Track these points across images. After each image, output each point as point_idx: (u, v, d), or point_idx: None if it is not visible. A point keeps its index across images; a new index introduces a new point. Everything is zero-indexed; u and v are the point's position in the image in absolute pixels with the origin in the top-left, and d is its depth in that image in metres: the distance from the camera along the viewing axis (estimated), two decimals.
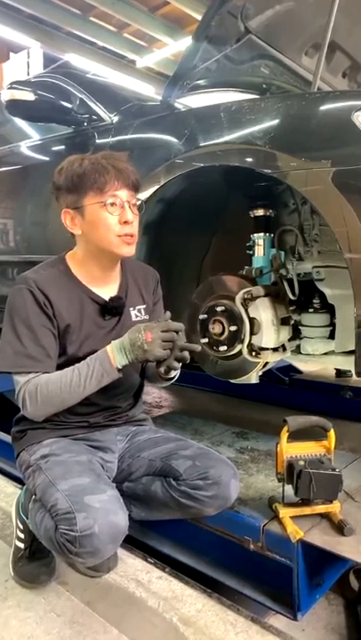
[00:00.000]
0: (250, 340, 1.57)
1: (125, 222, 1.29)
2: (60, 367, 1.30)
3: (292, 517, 1.32)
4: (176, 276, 1.95)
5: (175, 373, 1.34)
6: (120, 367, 1.24)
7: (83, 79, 2.27)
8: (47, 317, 1.29)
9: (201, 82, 2.08)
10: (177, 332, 1.21)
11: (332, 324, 1.67)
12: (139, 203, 1.36)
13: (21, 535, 1.43)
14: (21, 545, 1.42)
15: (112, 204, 1.28)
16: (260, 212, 1.65)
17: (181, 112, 1.95)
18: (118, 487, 1.32)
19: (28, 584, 1.38)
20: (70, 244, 1.41)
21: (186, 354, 1.22)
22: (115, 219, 1.28)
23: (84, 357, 1.29)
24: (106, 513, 1.12)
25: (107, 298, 1.38)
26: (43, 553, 1.40)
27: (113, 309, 1.39)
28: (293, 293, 1.63)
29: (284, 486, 1.35)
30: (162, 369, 1.24)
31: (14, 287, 1.31)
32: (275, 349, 1.62)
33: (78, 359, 1.29)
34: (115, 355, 1.23)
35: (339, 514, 1.33)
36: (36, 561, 1.40)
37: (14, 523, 1.47)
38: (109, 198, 1.27)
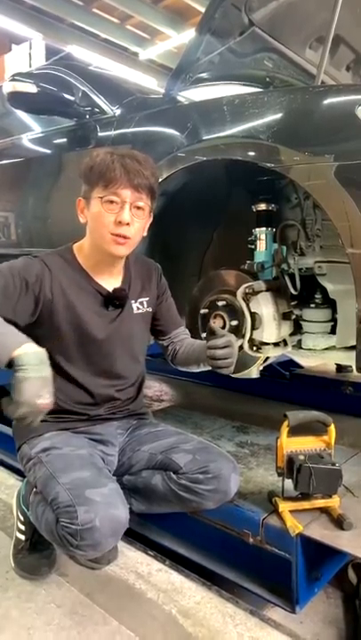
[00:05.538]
0: (251, 334, 1.57)
1: (119, 222, 1.27)
2: (47, 337, 1.28)
3: (291, 511, 1.32)
4: (177, 271, 1.94)
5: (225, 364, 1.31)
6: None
7: (85, 71, 2.26)
8: (27, 289, 1.26)
9: (204, 75, 2.06)
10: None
11: (334, 320, 1.67)
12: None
13: (22, 527, 1.44)
14: (22, 537, 1.43)
15: (110, 202, 1.26)
16: (262, 207, 1.65)
17: (184, 105, 1.94)
18: (119, 480, 1.33)
19: (29, 575, 1.39)
20: (73, 237, 1.41)
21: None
22: (111, 217, 1.27)
23: (79, 342, 1.33)
24: (107, 506, 1.13)
25: (110, 289, 1.39)
26: (43, 545, 1.41)
27: (116, 300, 1.39)
28: (295, 288, 1.63)
29: (283, 480, 1.35)
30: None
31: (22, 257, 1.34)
32: (276, 344, 1.62)
33: (73, 342, 1.33)
34: (20, 352, 1.08)
35: (338, 508, 1.34)
36: (37, 553, 1.41)
37: (15, 515, 1.48)
38: (111, 196, 1.26)
